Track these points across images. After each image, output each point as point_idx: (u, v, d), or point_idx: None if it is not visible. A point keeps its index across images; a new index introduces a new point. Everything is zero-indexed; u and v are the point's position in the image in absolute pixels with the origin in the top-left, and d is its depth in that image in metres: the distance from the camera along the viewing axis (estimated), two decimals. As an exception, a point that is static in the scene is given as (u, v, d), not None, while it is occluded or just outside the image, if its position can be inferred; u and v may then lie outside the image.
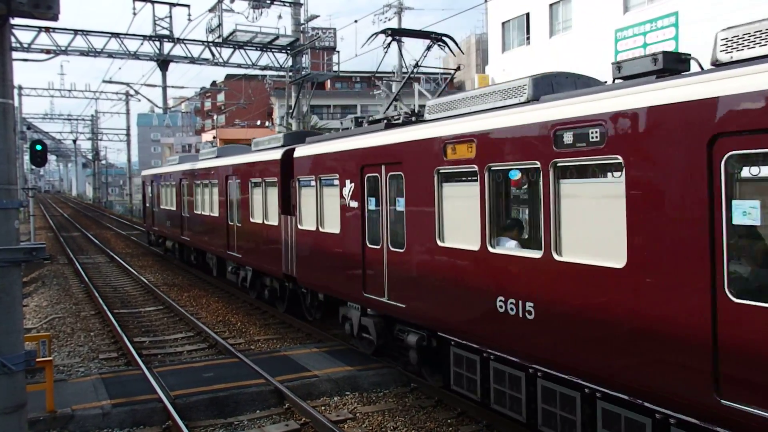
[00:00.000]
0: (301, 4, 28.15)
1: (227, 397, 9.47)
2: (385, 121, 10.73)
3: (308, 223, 12.68)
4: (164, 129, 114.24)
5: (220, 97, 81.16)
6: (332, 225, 11.62)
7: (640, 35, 24.75)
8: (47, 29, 24.71)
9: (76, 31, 25.73)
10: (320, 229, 12.11)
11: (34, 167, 38.49)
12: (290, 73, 28.99)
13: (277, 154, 14.34)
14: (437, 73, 62.41)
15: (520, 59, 31.61)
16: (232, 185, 17.26)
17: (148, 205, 30.04)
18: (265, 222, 14.94)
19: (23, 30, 24.56)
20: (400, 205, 9.53)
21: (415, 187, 9.08)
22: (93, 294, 18.75)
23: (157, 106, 32.03)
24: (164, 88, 29.14)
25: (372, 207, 10.37)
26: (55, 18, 5.36)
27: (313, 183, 12.35)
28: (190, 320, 15.24)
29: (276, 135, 16.12)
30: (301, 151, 13.07)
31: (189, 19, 25.97)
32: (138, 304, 18.08)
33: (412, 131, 9.33)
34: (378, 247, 10.10)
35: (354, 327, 11.34)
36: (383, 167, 9.97)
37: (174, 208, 24.11)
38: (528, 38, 31.89)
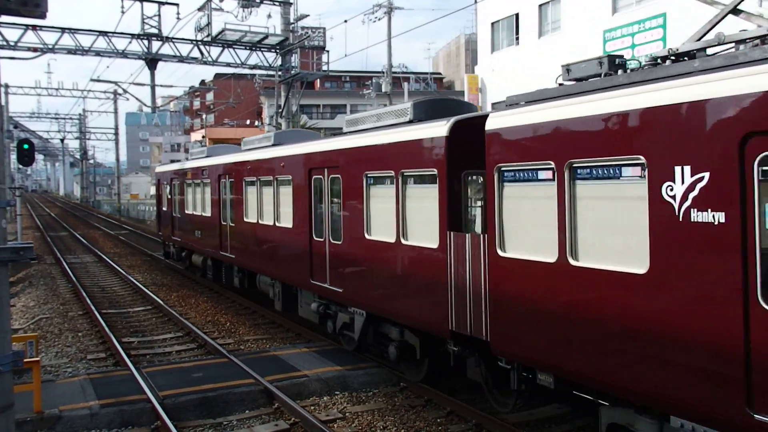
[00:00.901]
0: (291, 4, 28.12)
1: (216, 397, 9.45)
2: None
3: (527, 249, 7.41)
4: (153, 128, 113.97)
5: (209, 96, 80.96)
6: (615, 256, 6.37)
7: (629, 36, 24.93)
8: (34, 27, 24.57)
9: (63, 29, 25.57)
10: (571, 263, 6.76)
11: (21, 166, 38.18)
12: (279, 73, 28.96)
13: (437, 130, 8.90)
14: (426, 73, 62.72)
15: (510, 59, 31.75)
16: (322, 183, 12.16)
17: (165, 209, 24.49)
18: (404, 242, 9.64)
19: (10, 28, 24.43)
20: None
21: None
22: (81, 294, 18.65)
23: (145, 105, 31.87)
24: (153, 87, 29.02)
25: None
26: (42, 16, 5.33)
27: (546, 175, 7.20)
28: (178, 320, 15.19)
29: (397, 107, 10.84)
30: (509, 118, 7.63)
31: (178, 18, 25.89)
32: (126, 304, 17.99)
33: None
34: None
35: None
36: None
37: (209, 215, 18.83)
38: (517, 38, 32.03)
